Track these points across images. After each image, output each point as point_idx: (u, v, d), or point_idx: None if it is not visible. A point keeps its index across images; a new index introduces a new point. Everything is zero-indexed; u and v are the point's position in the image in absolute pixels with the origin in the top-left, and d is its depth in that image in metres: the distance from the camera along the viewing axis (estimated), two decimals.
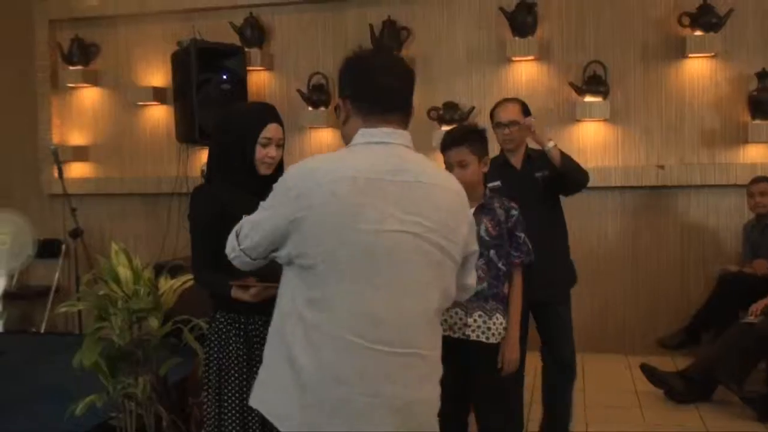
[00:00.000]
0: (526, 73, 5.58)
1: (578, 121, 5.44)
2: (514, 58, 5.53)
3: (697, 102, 5.34)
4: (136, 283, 2.94)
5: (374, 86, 1.87)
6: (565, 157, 3.53)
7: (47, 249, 6.35)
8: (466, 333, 2.91)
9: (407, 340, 1.78)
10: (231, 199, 2.43)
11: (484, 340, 2.92)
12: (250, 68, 5.91)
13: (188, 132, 5.70)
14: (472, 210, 2.89)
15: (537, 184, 3.55)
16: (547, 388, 3.77)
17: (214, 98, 5.55)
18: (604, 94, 5.33)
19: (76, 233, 5.49)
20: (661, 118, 5.37)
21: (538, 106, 5.43)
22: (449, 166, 2.91)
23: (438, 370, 1.90)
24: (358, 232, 1.74)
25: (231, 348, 2.44)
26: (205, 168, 2.61)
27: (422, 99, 5.59)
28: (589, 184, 4.86)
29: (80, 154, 6.52)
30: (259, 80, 6.06)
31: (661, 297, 5.40)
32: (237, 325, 2.46)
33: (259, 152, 2.49)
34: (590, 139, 5.48)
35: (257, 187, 2.41)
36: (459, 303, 2.86)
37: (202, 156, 5.85)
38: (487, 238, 2.92)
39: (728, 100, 5.28)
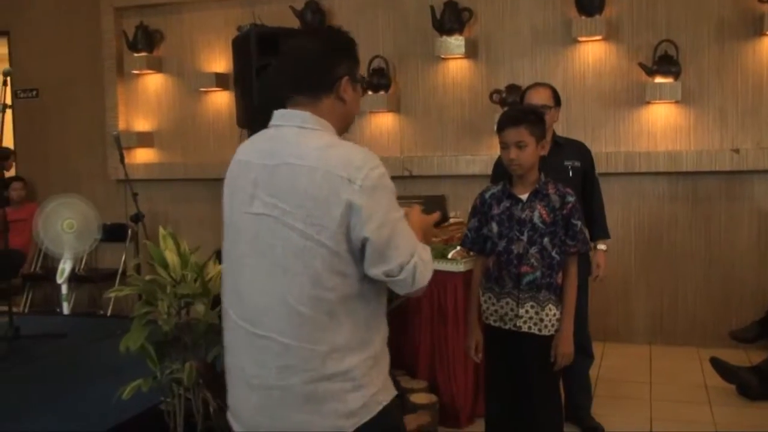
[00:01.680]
0: (592, 54, 5.45)
1: (648, 103, 5.29)
2: (580, 38, 5.39)
3: None
4: (183, 269, 2.93)
5: (281, 70, 1.97)
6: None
7: (114, 233, 6.49)
8: (518, 324, 2.86)
9: (264, 323, 1.84)
10: None
11: (536, 332, 2.85)
12: None
13: (248, 117, 5.70)
14: (526, 195, 2.86)
15: (565, 172, 3.56)
16: (564, 374, 3.71)
17: (273, 83, 5.41)
18: (676, 75, 5.16)
19: (137, 218, 5.59)
20: (736, 99, 5.18)
21: (606, 88, 5.39)
22: (506, 146, 2.84)
23: (321, 372, 1.80)
24: (236, 212, 1.92)
25: None
26: None
27: (485, 81, 5.64)
28: (660, 169, 5.21)
29: (145, 139, 6.64)
30: None
31: (735, 287, 5.26)
32: None
33: None
34: (660, 122, 5.32)
35: None
36: (510, 293, 2.85)
37: None
38: (540, 226, 2.84)
39: None
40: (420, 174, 5.76)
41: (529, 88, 3.77)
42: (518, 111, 2.91)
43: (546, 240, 2.83)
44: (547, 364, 2.87)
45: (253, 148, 1.93)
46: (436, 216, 2.14)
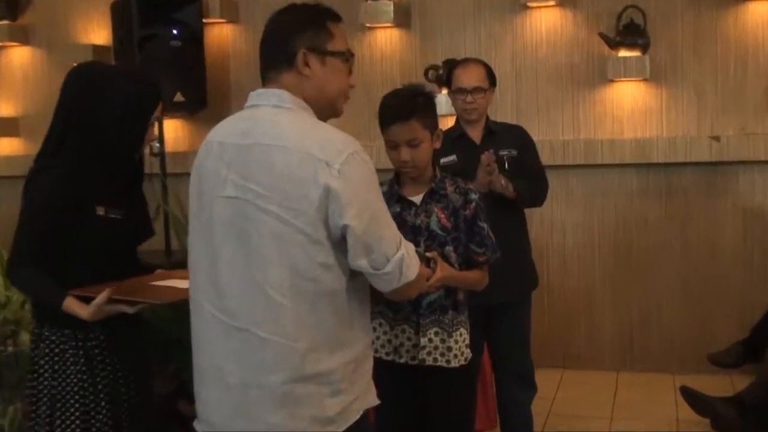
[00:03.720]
0: (545, 23, 5.46)
1: (611, 81, 5.32)
2: (530, 4, 5.42)
3: (763, 56, 5.17)
4: (8, 289, 2.89)
5: (260, 46, 2.18)
6: (520, 190, 3.65)
7: None
8: (420, 357, 2.81)
9: (243, 314, 2.01)
10: (97, 187, 2.49)
11: (443, 364, 2.81)
12: (208, 20, 5.83)
13: None
14: (419, 197, 2.82)
15: (500, 164, 3.59)
16: (503, 405, 3.88)
17: (161, 58, 5.47)
18: (644, 48, 5.18)
19: None
20: (715, 76, 5.22)
21: (561, 63, 5.43)
22: (393, 146, 2.79)
23: (299, 372, 2.00)
24: (206, 197, 2.09)
25: (68, 374, 2.39)
26: (101, 140, 2.58)
27: (419, 55, 5.65)
28: (627, 160, 5.26)
29: (7, 127, 6.52)
30: (220, 35, 5.98)
31: (716, 301, 5.30)
32: (73, 344, 2.44)
33: (150, 133, 2.63)
34: (626, 104, 5.35)
35: (130, 174, 2.57)
36: (408, 319, 2.81)
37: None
38: (439, 233, 2.81)
39: None
40: None
41: (458, 65, 3.82)
42: (403, 99, 2.80)
43: (448, 249, 2.80)
44: (459, 402, 2.86)
45: (226, 129, 2.14)
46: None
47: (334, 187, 1.95)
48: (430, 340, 2.79)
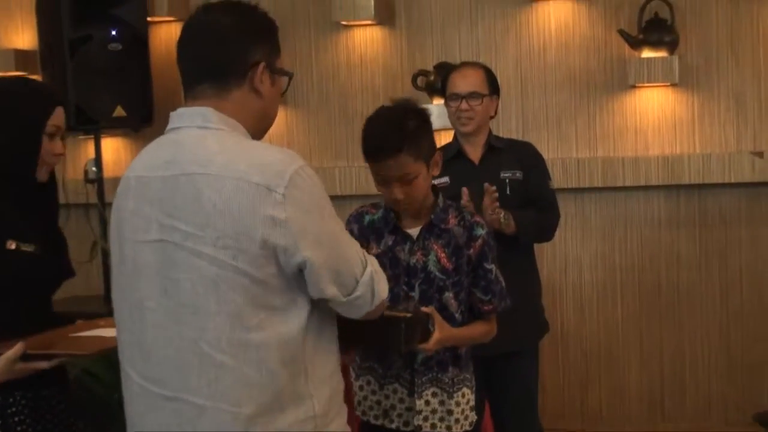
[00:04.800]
0: (555, 19, 5.34)
1: (633, 87, 5.22)
2: None
3: None
4: None
5: (181, 54, 2.12)
6: (522, 226, 3.67)
7: None
8: (414, 422, 2.77)
9: (173, 380, 1.96)
10: (3, 218, 2.49)
11: (444, 431, 2.78)
12: (153, 19, 5.68)
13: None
14: (416, 230, 2.80)
15: (501, 188, 3.61)
16: None
17: (97, 65, 5.27)
18: (671, 47, 5.06)
19: None
20: (758, 81, 5.14)
21: (574, 66, 5.37)
22: (384, 182, 2.71)
23: None
24: (129, 243, 2.05)
25: None
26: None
27: (405, 59, 5.61)
28: (653, 182, 5.20)
29: None
30: (168, 36, 5.81)
31: (763, 350, 5.21)
32: None
33: (47, 147, 2.53)
34: (651, 115, 5.25)
35: (30, 198, 2.51)
36: (399, 377, 2.80)
37: (86, 149, 5.70)
38: (438, 275, 2.77)
39: None
40: None
41: (454, 70, 3.90)
42: (390, 125, 2.69)
43: (447, 295, 2.77)
44: None
45: (145, 160, 2.08)
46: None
47: (280, 217, 1.90)
48: (427, 403, 2.76)
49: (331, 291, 1.97)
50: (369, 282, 2.03)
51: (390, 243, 2.80)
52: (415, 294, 2.76)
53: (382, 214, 2.84)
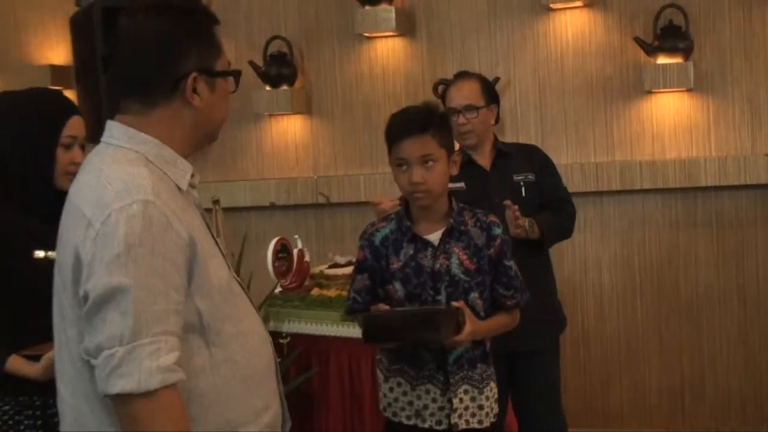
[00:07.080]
0: (572, 27, 5.39)
1: (649, 92, 5.25)
2: (554, 6, 5.33)
3: None
4: None
5: (103, 65, 2.06)
6: (546, 231, 3.68)
7: None
8: (449, 421, 2.79)
9: (66, 418, 1.88)
10: (28, 228, 2.50)
11: (476, 425, 2.82)
12: None
13: (96, 127, 5.46)
14: (436, 235, 2.80)
15: (516, 191, 3.67)
16: None
17: None
18: (686, 53, 5.08)
19: None
20: None
21: (591, 72, 5.38)
22: (405, 165, 2.74)
23: None
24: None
25: None
26: (4, 171, 2.60)
27: (426, 68, 5.63)
28: (671, 184, 5.23)
29: None
30: None
31: None
32: (30, 413, 2.42)
33: (64, 156, 2.55)
34: (668, 120, 5.27)
35: (51, 209, 2.33)
36: (433, 377, 2.80)
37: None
38: (462, 277, 2.80)
39: None
40: (341, 201, 5.65)
41: (452, 82, 3.93)
42: (416, 112, 2.78)
43: (473, 296, 2.80)
44: None
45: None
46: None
47: (82, 254, 1.72)
48: (461, 400, 2.79)
49: (94, 339, 1.72)
50: (108, 361, 1.68)
51: (411, 252, 2.80)
52: (442, 297, 2.76)
53: (395, 225, 2.84)
